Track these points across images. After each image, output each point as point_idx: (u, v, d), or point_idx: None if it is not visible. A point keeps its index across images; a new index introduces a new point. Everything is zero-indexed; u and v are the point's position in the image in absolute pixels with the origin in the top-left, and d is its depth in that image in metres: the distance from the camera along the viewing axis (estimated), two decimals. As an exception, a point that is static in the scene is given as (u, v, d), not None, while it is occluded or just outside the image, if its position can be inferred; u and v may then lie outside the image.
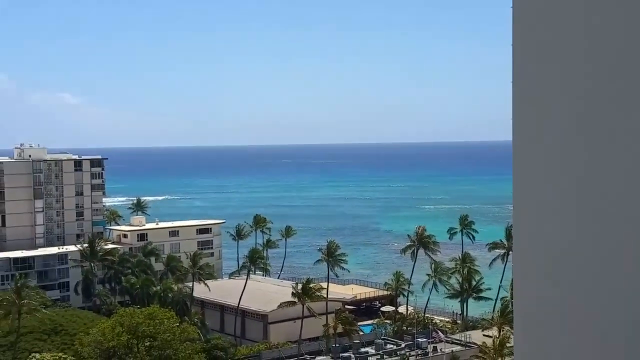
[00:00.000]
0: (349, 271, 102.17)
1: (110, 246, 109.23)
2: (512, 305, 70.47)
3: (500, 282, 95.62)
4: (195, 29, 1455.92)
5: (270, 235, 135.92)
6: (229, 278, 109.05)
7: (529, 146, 55.72)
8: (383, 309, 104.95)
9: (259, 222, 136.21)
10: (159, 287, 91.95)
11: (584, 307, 52.87)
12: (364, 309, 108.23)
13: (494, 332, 78.47)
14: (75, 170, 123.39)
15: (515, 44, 54.66)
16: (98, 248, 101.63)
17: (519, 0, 54.42)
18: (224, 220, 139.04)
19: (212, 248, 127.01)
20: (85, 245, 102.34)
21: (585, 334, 52.13)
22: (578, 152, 53.79)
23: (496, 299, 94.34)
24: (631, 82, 48.86)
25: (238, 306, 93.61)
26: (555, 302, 53.44)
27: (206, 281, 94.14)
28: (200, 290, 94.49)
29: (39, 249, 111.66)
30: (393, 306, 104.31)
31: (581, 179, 53.00)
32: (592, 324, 52.25)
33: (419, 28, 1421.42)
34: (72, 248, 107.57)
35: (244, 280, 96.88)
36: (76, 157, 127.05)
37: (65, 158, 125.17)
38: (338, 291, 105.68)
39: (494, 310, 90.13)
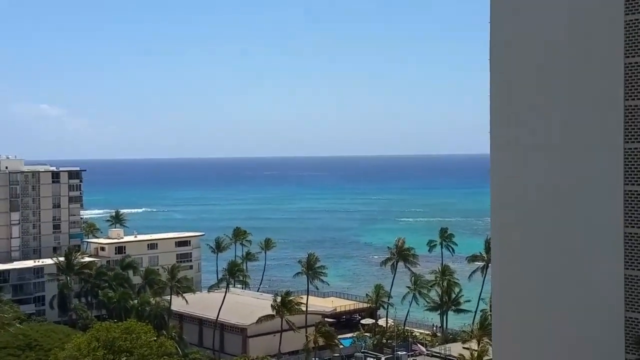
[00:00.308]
0: (328, 284, 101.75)
1: (87, 259, 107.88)
2: (491, 318, 70.60)
3: (480, 295, 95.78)
4: (177, 43, 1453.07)
5: (250, 247, 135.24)
6: (208, 291, 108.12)
7: (506, 159, 55.46)
8: (363, 321, 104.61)
9: (238, 234, 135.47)
10: (136, 301, 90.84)
11: (561, 321, 52.90)
12: (344, 321, 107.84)
13: (473, 344, 78.57)
14: (53, 182, 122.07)
15: (492, 58, 54.76)
16: (75, 261, 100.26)
17: (496, 18, 54.42)
18: (203, 233, 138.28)
19: (191, 261, 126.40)
20: (62, 258, 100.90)
21: (562, 347, 52.03)
22: (554, 165, 53.74)
23: (475, 312, 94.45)
24: (602, 97, 48.96)
25: (217, 320, 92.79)
26: (533, 315, 53.26)
27: (186, 294, 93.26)
28: (179, 304, 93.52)
29: (15, 262, 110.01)
30: (373, 319, 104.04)
31: (558, 192, 52.90)
32: (570, 337, 52.22)
33: (401, 42, 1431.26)
34: (48, 261, 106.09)
35: (223, 294, 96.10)
36: (54, 168, 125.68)
37: (43, 170, 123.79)
38: (318, 304, 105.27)
39: (473, 323, 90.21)
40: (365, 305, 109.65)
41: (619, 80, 44.10)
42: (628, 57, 44.03)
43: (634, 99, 43.39)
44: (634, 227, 43.86)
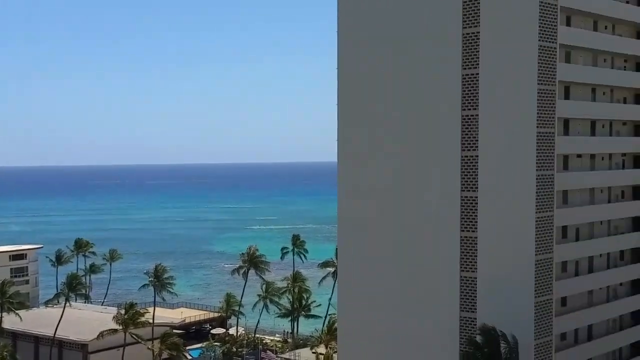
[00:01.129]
0: (177, 295, 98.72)
1: None
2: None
3: (330, 300, 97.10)
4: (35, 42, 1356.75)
5: (94, 259, 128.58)
6: (45, 307, 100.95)
7: (351, 166, 56.50)
8: (213, 331, 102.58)
9: (81, 246, 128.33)
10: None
11: (401, 320, 54.33)
12: (194, 332, 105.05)
13: (321, 348, 79.31)
14: None
15: (339, 70, 55.47)
16: None
17: (343, 29, 55.13)
18: (42, 245, 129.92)
19: (27, 275, 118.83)
20: None
21: (402, 345, 53.46)
22: (396, 172, 55.31)
23: (325, 316, 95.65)
24: (441, 108, 51.03)
25: (54, 336, 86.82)
26: (374, 316, 54.34)
27: (19, 311, 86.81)
28: (12, 321, 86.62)
29: None
30: (224, 328, 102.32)
31: (399, 198, 54.43)
32: (409, 336, 53.74)
33: (262, 52, 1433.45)
34: None
35: (62, 309, 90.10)
36: None
37: None
38: (167, 315, 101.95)
39: (323, 327, 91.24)
40: (216, 314, 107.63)
41: (457, 91, 46.39)
42: (465, 69, 46.29)
43: (470, 109, 45.86)
44: (469, 231, 46.32)
